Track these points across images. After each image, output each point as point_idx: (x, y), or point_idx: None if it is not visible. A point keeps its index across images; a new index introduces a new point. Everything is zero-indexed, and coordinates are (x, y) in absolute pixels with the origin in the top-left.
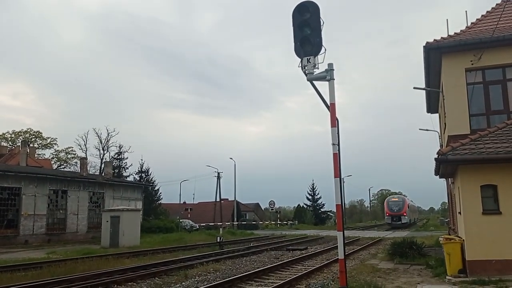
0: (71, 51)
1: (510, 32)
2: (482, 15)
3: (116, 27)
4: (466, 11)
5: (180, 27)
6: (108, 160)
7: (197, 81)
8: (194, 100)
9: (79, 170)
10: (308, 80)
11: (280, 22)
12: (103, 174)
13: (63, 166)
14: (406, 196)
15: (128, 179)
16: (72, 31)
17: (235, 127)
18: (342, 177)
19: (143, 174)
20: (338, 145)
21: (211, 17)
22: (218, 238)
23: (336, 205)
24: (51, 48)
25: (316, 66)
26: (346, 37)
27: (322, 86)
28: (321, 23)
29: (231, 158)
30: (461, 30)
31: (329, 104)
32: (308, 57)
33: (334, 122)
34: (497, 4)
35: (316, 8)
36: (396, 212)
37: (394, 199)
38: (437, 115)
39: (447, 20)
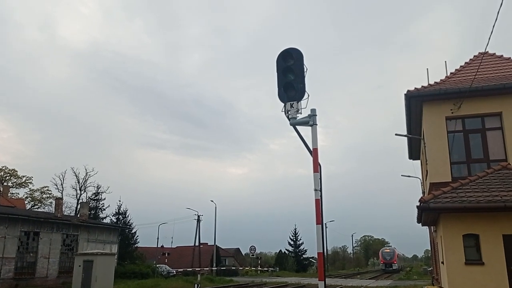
0: (56, 88)
1: (487, 83)
2: (461, 66)
3: (103, 65)
4: (445, 62)
5: (167, 67)
6: (85, 200)
7: (181, 121)
8: (178, 140)
9: (54, 210)
10: (291, 124)
11: (265, 63)
12: (78, 216)
13: (37, 206)
14: (395, 248)
15: (104, 221)
16: (58, 68)
17: (218, 168)
18: (324, 222)
19: (120, 216)
20: (321, 190)
21: (197, 58)
22: (196, 285)
23: (318, 253)
24: (34, 85)
25: (299, 111)
26: (331, 80)
27: (305, 130)
28: (305, 69)
29: (212, 201)
30: (441, 80)
31: (311, 149)
32: (292, 102)
33: (317, 167)
34: (474, 56)
35: (299, 55)
36: (388, 260)
37: (386, 250)
38: (419, 161)
39: (427, 69)
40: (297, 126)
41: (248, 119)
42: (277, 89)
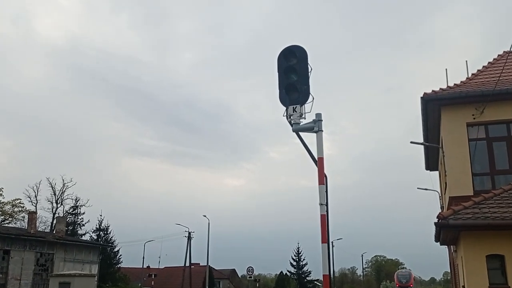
0: (30, 89)
1: None
2: (483, 66)
3: (84, 64)
4: (466, 61)
5: (156, 66)
6: (62, 215)
7: (171, 126)
8: (167, 147)
9: (27, 226)
10: (293, 131)
11: (265, 63)
12: (54, 232)
13: (7, 222)
14: (411, 270)
15: (83, 238)
16: (33, 67)
17: (212, 179)
18: (330, 241)
19: (101, 233)
20: (326, 205)
21: (190, 57)
22: None
23: (324, 275)
24: (4, 84)
25: (303, 116)
26: (338, 82)
27: (310, 136)
28: (309, 70)
29: (204, 216)
30: (461, 81)
31: (316, 159)
32: (294, 106)
33: (322, 179)
34: (499, 55)
35: (303, 53)
36: (404, 283)
37: (402, 273)
38: (437, 172)
39: (446, 70)
40: (300, 133)
41: (247, 124)
42: (278, 91)
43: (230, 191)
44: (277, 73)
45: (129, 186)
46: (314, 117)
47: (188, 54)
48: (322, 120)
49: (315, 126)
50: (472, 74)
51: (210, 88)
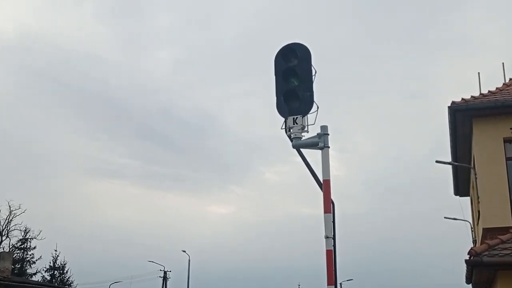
0: None
1: None
2: None
3: (38, 63)
4: (503, 64)
5: (126, 66)
6: (7, 250)
7: (145, 141)
8: (140, 166)
9: None
10: (294, 147)
11: (260, 64)
12: None
13: None
14: None
15: (34, 278)
16: None
17: (195, 206)
18: (338, 282)
19: (56, 272)
20: (334, 238)
21: (168, 56)
22: None
23: None
24: None
25: (305, 129)
26: (348, 88)
27: (314, 154)
28: (313, 73)
29: (184, 251)
30: (497, 88)
31: (321, 181)
32: (295, 117)
33: (329, 206)
34: None
35: (306, 53)
36: None
37: None
38: (468, 198)
39: (478, 73)
40: (302, 149)
41: (238, 139)
42: (275, 98)
43: (216, 220)
44: (274, 77)
45: (92, 214)
46: (319, 131)
47: (165, 52)
48: (328, 134)
49: (320, 142)
50: (510, 79)
51: (193, 95)
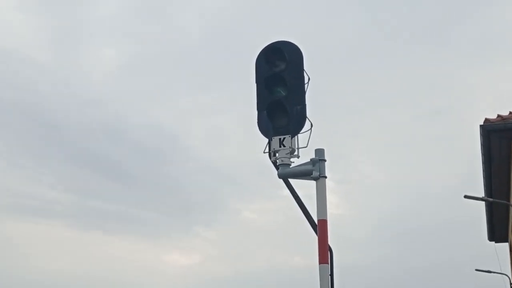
0: None
1: None
2: None
3: None
4: None
5: (57, 69)
6: None
7: (83, 168)
8: (76, 202)
9: None
10: (280, 176)
11: (235, 67)
12: None
13: None
14: None
15: None
16: None
17: (148, 255)
18: None
19: None
20: None
21: (113, 55)
22: None
23: None
24: None
25: (295, 154)
26: (353, 101)
27: (306, 186)
28: (306, 80)
29: None
30: None
31: (316, 222)
32: (282, 137)
33: (326, 254)
34: None
35: (296, 54)
36: None
37: None
38: (506, 245)
39: None
40: (291, 180)
41: (206, 166)
42: (256, 113)
43: (177, 273)
44: (254, 85)
45: (11, 265)
46: (313, 156)
47: (111, 50)
48: (325, 160)
49: (315, 170)
50: None
51: (146, 107)
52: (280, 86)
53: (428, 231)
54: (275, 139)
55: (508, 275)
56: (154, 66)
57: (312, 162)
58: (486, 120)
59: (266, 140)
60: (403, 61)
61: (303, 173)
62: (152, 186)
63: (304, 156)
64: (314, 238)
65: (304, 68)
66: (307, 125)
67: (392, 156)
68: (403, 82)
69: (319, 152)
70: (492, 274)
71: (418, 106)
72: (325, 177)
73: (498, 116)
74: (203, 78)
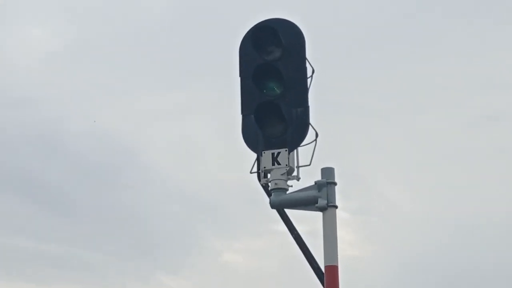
0: None
1: None
2: None
3: None
4: None
5: None
6: None
7: (4, 193)
8: None
9: None
10: (273, 206)
11: (218, 55)
12: None
13: None
14: None
15: None
16: None
17: None
18: None
19: None
20: None
21: (45, 39)
22: None
23: None
24: None
25: (294, 174)
26: (373, 101)
27: (310, 219)
28: (309, 74)
29: None
30: None
31: (323, 269)
32: (276, 152)
33: None
34: None
35: (297, 37)
36: None
37: None
38: None
39: None
40: (287, 210)
41: (173, 190)
42: (240, 118)
43: None
44: (238, 79)
45: None
46: (318, 177)
47: (41, 31)
48: (336, 184)
49: (321, 197)
50: None
51: (92, 109)
52: (274, 81)
53: (477, 275)
54: (267, 154)
55: None
56: (104, 54)
57: (318, 186)
58: None
59: (255, 155)
60: (443, 46)
61: (305, 202)
62: (101, 218)
63: (307, 178)
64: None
65: (307, 56)
66: (310, 135)
67: (427, 177)
68: (443, 78)
69: (327, 172)
70: None
71: (463, 110)
72: (335, 206)
73: None
74: (170, 71)
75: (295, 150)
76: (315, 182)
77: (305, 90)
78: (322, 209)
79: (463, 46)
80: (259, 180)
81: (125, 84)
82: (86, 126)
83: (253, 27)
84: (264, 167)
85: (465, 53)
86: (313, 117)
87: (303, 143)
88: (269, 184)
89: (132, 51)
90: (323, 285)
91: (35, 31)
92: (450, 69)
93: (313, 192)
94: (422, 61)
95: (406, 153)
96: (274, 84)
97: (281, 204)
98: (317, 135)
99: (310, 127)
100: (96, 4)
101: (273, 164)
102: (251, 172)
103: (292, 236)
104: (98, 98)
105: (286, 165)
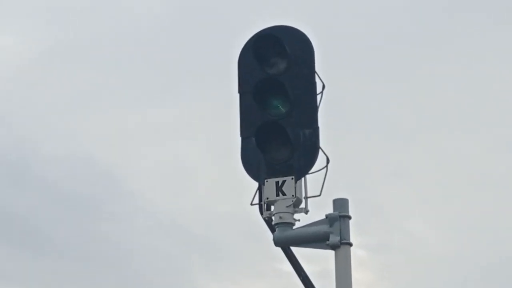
0: None
1: None
2: None
3: None
4: None
5: None
6: None
7: None
8: None
9: None
10: (278, 243)
11: (213, 67)
12: None
13: None
14: None
15: None
16: None
17: None
18: None
19: None
20: None
21: (11, 46)
22: None
23: None
24: None
25: (302, 206)
26: (392, 120)
27: (320, 258)
28: (319, 88)
29: None
30: None
31: None
32: (281, 180)
33: None
34: None
35: (304, 47)
36: None
37: None
38: None
39: None
40: (294, 248)
41: (160, 222)
42: (239, 140)
43: None
44: (237, 95)
45: None
46: (330, 210)
47: (8, 38)
48: (350, 217)
49: (333, 233)
50: None
51: (65, 128)
52: (278, 98)
53: None
54: (270, 183)
55: None
56: (81, 63)
57: (329, 220)
58: None
59: (256, 184)
60: (474, 67)
61: (315, 238)
62: (81, 255)
63: (316, 211)
64: None
65: (317, 69)
66: (320, 161)
67: (454, 207)
68: (472, 95)
69: (341, 203)
70: None
71: (494, 131)
72: (350, 244)
73: None
74: (157, 84)
75: (302, 178)
76: (326, 216)
77: (314, 109)
78: (334, 247)
79: (495, 66)
80: (261, 213)
81: (104, 99)
82: (59, 148)
83: (254, 36)
84: (267, 198)
85: (498, 72)
86: (324, 140)
87: (312, 170)
88: (273, 217)
89: (112, 61)
90: None
91: (5, 39)
92: (480, 86)
93: (324, 227)
94: (451, 75)
95: (431, 179)
96: (278, 102)
97: (287, 241)
98: (328, 160)
99: (320, 151)
100: (74, 7)
101: (277, 195)
102: (251, 204)
103: (300, 278)
104: (73, 115)
105: (293, 195)
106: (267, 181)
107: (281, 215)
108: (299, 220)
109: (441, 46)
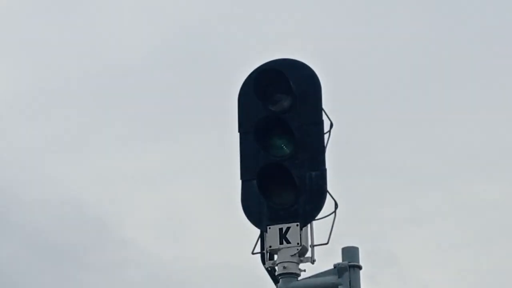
0: None
1: None
2: None
3: None
4: None
5: None
6: None
7: None
8: None
9: None
10: None
11: (211, 103)
12: None
13: None
14: None
15: None
16: None
17: None
18: None
19: None
20: None
21: None
22: None
23: None
24: None
25: (308, 255)
26: (407, 160)
27: None
28: (326, 127)
29: None
30: None
31: None
32: (285, 227)
33: None
34: None
35: (310, 82)
36: None
37: None
38: None
39: None
40: None
41: (157, 275)
42: (240, 184)
43: None
44: (237, 134)
45: None
46: (339, 259)
47: None
48: (361, 268)
49: (342, 284)
50: None
51: (50, 169)
52: (282, 138)
53: None
54: (273, 230)
55: None
56: (70, 105)
57: (338, 270)
58: None
59: (257, 231)
60: (490, 100)
61: None
62: None
63: (324, 260)
64: None
65: (324, 106)
66: (328, 205)
67: (479, 259)
68: (488, 137)
69: (350, 252)
70: None
71: None
72: None
73: None
74: (152, 121)
75: (308, 225)
76: (335, 266)
77: (321, 149)
78: None
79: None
80: (263, 262)
81: (94, 138)
82: (42, 192)
83: (255, 70)
84: (270, 247)
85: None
86: (332, 183)
87: (319, 216)
88: (276, 267)
89: (105, 101)
90: None
91: None
92: (500, 130)
93: (332, 278)
94: (467, 112)
95: (449, 226)
96: (282, 142)
97: None
98: (336, 205)
99: (327, 195)
100: (64, 37)
101: (281, 243)
102: (253, 253)
103: None
104: (59, 157)
105: (298, 243)
106: (269, 228)
107: (285, 264)
108: (305, 271)
109: (460, 87)
